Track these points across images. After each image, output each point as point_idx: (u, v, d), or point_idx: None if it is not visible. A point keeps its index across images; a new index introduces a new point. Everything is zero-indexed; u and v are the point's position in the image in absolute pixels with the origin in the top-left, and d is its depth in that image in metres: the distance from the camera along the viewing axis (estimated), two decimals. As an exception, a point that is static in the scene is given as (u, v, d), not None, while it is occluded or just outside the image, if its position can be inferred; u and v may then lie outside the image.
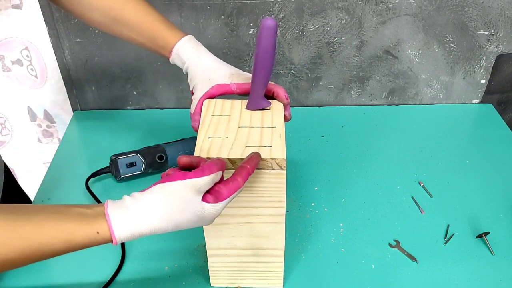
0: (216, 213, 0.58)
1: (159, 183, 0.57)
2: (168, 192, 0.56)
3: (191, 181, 0.55)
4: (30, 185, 1.07)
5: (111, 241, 0.54)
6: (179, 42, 0.76)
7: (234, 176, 0.59)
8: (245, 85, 0.73)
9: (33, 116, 1.27)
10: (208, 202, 0.57)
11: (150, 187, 0.57)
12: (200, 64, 0.76)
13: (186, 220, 0.56)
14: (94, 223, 0.53)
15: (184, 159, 0.59)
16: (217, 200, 0.57)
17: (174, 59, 0.78)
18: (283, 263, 0.75)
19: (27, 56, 1.15)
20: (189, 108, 0.76)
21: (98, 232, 0.53)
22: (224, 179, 0.59)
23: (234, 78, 0.74)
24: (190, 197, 0.56)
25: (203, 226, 0.69)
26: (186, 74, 0.78)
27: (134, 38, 0.79)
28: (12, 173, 1.01)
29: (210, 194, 0.57)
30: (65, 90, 1.18)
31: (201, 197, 0.56)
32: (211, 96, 0.74)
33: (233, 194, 0.58)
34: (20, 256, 0.51)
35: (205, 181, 0.56)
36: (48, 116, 1.27)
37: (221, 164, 0.58)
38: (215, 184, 0.58)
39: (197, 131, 0.68)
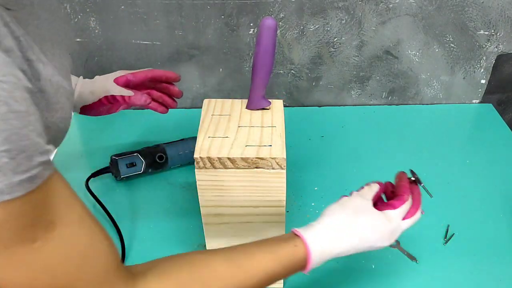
0: (395, 219, 0.64)
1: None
2: (343, 210, 0.64)
3: (354, 193, 0.67)
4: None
5: (307, 254, 0.58)
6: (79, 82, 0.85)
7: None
8: (138, 73, 0.84)
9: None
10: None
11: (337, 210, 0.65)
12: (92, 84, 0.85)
13: (365, 233, 0.62)
14: (296, 262, 0.59)
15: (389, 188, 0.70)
16: (390, 207, 0.65)
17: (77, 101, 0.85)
18: (283, 263, 0.75)
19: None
20: (189, 108, 0.76)
21: (296, 245, 0.58)
22: None
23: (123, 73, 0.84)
24: (359, 205, 0.64)
25: (203, 226, 0.69)
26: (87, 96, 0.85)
27: None
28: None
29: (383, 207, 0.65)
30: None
31: (371, 203, 0.65)
32: (116, 79, 0.83)
33: (406, 206, 0.67)
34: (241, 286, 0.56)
35: (364, 191, 0.67)
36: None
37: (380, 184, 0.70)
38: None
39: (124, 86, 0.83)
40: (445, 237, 0.87)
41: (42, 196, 0.42)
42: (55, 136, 0.50)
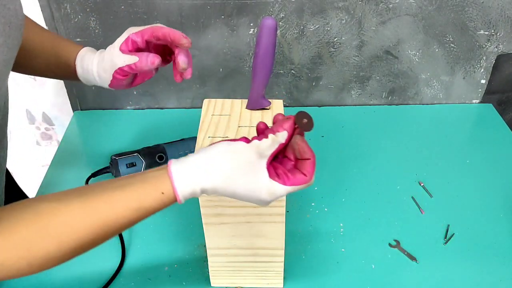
0: (278, 195, 0.55)
1: (223, 141, 0.56)
2: (234, 149, 0.54)
3: (254, 142, 0.54)
4: (29, 187, 1.07)
5: (176, 199, 0.54)
6: (81, 52, 0.75)
7: (305, 169, 0.56)
8: (143, 30, 0.68)
9: (31, 119, 1.27)
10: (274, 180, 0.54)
11: (215, 143, 0.56)
12: (101, 63, 0.73)
13: (246, 185, 0.54)
14: (157, 184, 0.54)
15: (261, 125, 0.57)
16: (283, 181, 0.55)
17: (79, 71, 0.75)
18: (283, 263, 0.75)
19: (27, 56, 1.15)
20: (189, 108, 0.75)
21: (163, 193, 0.53)
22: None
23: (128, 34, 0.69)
24: (254, 159, 0.54)
25: (203, 226, 0.69)
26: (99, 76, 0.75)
27: (40, 64, 0.76)
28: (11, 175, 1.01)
29: (277, 175, 0.55)
30: (64, 91, 1.18)
31: (265, 162, 0.54)
32: (123, 44, 0.69)
33: (297, 186, 0.55)
34: (99, 233, 0.53)
35: (267, 144, 0.54)
36: (46, 119, 1.27)
37: (288, 125, 0.55)
38: (283, 168, 0.56)
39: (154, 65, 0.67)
40: (445, 237, 0.87)
41: None
42: None
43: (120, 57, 0.69)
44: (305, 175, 0.55)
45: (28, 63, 0.75)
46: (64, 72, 0.76)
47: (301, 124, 0.55)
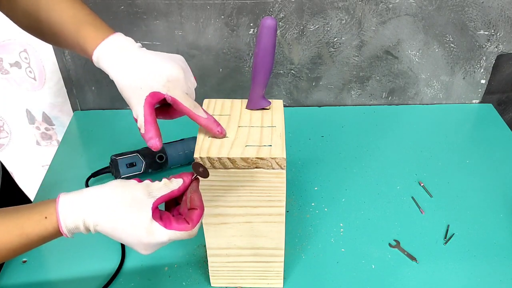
0: (158, 239, 0.55)
1: (118, 180, 0.57)
2: (124, 185, 0.55)
3: (146, 181, 0.56)
4: (29, 187, 1.07)
5: (59, 228, 0.52)
6: (98, 49, 0.64)
7: (190, 218, 0.57)
8: (179, 104, 0.62)
9: (31, 119, 1.27)
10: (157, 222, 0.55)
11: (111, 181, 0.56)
12: (124, 73, 0.63)
13: (128, 221, 0.53)
14: (42, 210, 0.53)
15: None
16: (164, 224, 0.55)
17: (100, 66, 0.66)
18: (283, 263, 0.75)
19: (26, 58, 1.15)
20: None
21: (46, 217, 0.52)
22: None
23: (171, 89, 0.62)
24: (142, 196, 0.54)
25: (203, 226, 0.69)
26: None
27: (63, 44, 0.69)
28: (11, 175, 1.01)
29: (161, 218, 0.55)
30: (64, 92, 1.18)
31: (151, 202, 0.55)
32: (151, 105, 0.62)
33: (178, 232, 0.55)
34: None
35: (158, 185, 0.56)
36: (46, 119, 1.27)
37: (184, 174, 0.58)
38: (169, 214, 0.57)
39: (157, 149, 0.63)
40: (445, 237, 0.87)
41: None
42: None
43: (139, 121, 0.63)
44: (188, 223, 0.56)
45: (52, 38, 0.70)
46: (87, 57, 0.69)
47: (198, 173, 0.59)
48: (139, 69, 0.62)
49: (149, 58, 0.63)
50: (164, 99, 0.63)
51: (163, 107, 0.66)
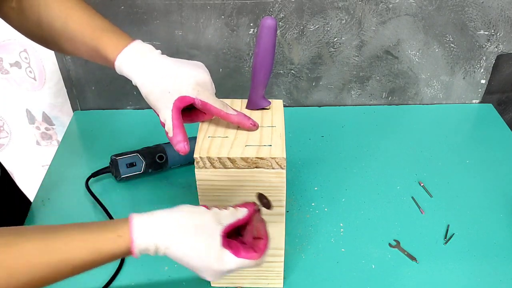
0: (227, 266, 0.56)
1: (187, 205, 0.59)
2: (194, 211, 0.57)
3: (214, 209, 0.57)
4: (29, 187, 1.07)
5: (131, 248, 0.53)
6: (120, 55, 0.65)
7: (257, 247, 0.59)
8: (210, 106, 0.64)
9: (31, 119, 1.27)
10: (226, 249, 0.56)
11: (180, 206, 0.58)
12: (150, 78, 0.64)
13: (199, 247, 0.55)
14: (116, 228, 0.54)
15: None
16: (234, 252, 0.56)
17: (122, 74, 0.66)
18: (283, 263, 0.75)
19: (26, 58, 1.15)
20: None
21: (120, 236, 0.53)
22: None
23: (200, 92, 0.64)
24: (211, 223, 0.56)
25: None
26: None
27: (80, 52, 0.69)
28: (11, 176, 1.01)
29: (230, 246, 0.57)
30: (64, 92, 1.18)
31: (220, 229, 0.56)
32: (179, 109, 0.63)
33: (247, 261, 0.57)
34: (53, 272, 0.52)
35: (225, 213, 0.57)
36: (46, 119, 1.27)
37: (249, 204, 0.60)
38: (237, 242, 0.58)
39: (185, 153, 0.63)
40: (445, 237, 0.87)
41: None
42: None
43: (166, 125, 0.64)
44: (255, 251, 0.57)
45: (69, 47, 0.70)
46: (105, 63, 0.69)
47: (262, 203, 0.61)
48: (166, 73, 0.63)
49: (174, 64, 0.65)
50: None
51: (184, 111, 0.66)
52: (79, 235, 0.53)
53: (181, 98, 0.63)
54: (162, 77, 0.63)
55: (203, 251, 0.55)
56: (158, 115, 0.66)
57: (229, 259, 0.56)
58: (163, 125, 0.65)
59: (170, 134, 0.64)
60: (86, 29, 0.67)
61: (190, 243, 0.55)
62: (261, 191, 0.65)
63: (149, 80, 0.64)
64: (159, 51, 0.67)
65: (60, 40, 0.69)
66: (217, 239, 0.55)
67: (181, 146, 0.63)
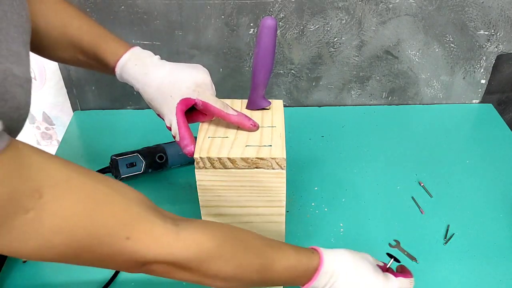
0: (391, 285, 0.64)
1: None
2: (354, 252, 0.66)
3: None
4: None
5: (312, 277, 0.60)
6: (120, 62, 0.66)
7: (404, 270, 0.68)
8: (210, 106, 0.65)
9: (31, 119, 1.27)
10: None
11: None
12: (151, 83, 0.65)
13: (370, 281, 0.63)
14: (310, 262, 0.61)
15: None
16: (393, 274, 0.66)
17: (123, 81, 0.68)
18: (283, 263, 0.75)
19: (27, 57, 1.15)
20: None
21: (313, 260, 0.61)
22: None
23: (201, 93, 0.65)
24: (369, 258, 0.67)
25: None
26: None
27: (78, 60, 0.70)
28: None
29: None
30: (64, 92, 1.18)
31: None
32: (183, 112, 0.65)
33: (405, 278, 0.65)
34: (261, 278, 0.58)
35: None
36: (47, 119, 1.27)
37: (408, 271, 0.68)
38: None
39: (193, 155, 0.63)
40: (445, 237, 0.87)
41: (9, 166, 0.41)
42: (10, 127, 0.46)
43: (172, 128, 0.66)
44: (409, 272, 0.67)
45: (66, 56, 0.70)
46: (104, 70, 0.70)
47: (395, 259, 0.70)
48: (166, 78, 0.65)
49: (173, 68, 0.66)
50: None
51: (186, 113, 0.67)
52: (286, 252, 0.59)
53: (183, 101, 0.64)
54: (162, 82, 0.64)
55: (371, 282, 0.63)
56: (163, 119, 0.66)
57: (392, 279, 0.64)
58: (169, 129, 0.66)
59: (177, 138, 0.64)
60: (85, 37, 0.67)
61: (361, 275, 0.63)
62: (261, 191, 0.65)
63: (150, 86, 0.65)
64: (158, 56, 0.68)
65: (58, 49, 0.69)
66: (379, 269, 0.65)
67: (188, 149, 0.64)
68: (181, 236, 0.51)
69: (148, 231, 0.49)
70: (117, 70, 0.66)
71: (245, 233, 0.59)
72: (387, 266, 0.68)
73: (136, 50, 0.67)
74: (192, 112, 0.68)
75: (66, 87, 1.16)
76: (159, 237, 0.50)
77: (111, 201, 0.48)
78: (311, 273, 0.60)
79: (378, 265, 0.66)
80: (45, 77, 1.18)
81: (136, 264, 0.50)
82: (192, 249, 0.51)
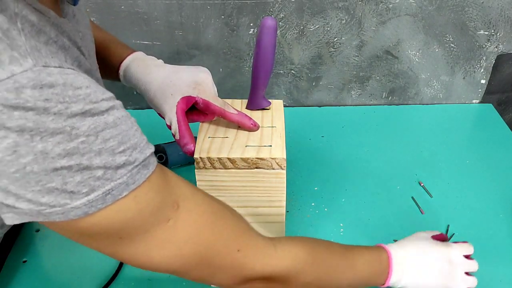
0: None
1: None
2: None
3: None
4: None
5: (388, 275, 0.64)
6: (124, 63, 0.69)
7: None
8: (210, 105, 0.65)
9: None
10: None
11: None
12: (153, 82, 0.66)
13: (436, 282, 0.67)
14: (381, 264, 0.64)
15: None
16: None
17: (126, 82, 0.70)
18: (283, 263, 0.75)
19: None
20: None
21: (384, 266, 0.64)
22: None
23: (201, 92, 0.66)
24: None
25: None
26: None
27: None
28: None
29: None
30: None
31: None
32: (183, 111, 0.65)
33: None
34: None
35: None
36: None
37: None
38: None
39: (192, 155, 0.63)
40: (445, 237, 0.87)
41: (159, 181, 0.47)
42: None
43: (172, 127, 0.66)
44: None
45: None
46: (109, 74, 0.72)
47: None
48: (168, 77, 0.66)
49: (174, 68, 0.67)
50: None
51: (186, 112, 0.67)
52: (363, 258, 0.62)
53: (183, 99, 0.64)
54: (163, 81, 0.65)
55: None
56: (163, 118, 0.67)
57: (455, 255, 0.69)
58: (169, 127, 0.66)
59: (177, 137, 0.64)
60: (95, 39, 0.69)
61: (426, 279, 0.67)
62: (260, 191, 0.66)
63: (151, 85, 0.66)
64: (161, 60, 0.69)
65: None
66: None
67: (188, 148, 0.64)
68: (278, 248, 0.55)
69: (253, 245, 0.54)
70: (121, 71, 0.68)
71: (321, 240, 0.62)
72: (445, 233, 0.72)
73: (140, 54, 0.70)
74: (193, 111, 0.68)
75: (66, 87, 1.16)
76: (263, 250, 0.54)
77: (224, 216, 0.53)
78: (385, 265, 0.63)
79: (433, 237, 0.70)
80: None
81: (241, 280, 0.54)
82: (289, 260, 0.55)
